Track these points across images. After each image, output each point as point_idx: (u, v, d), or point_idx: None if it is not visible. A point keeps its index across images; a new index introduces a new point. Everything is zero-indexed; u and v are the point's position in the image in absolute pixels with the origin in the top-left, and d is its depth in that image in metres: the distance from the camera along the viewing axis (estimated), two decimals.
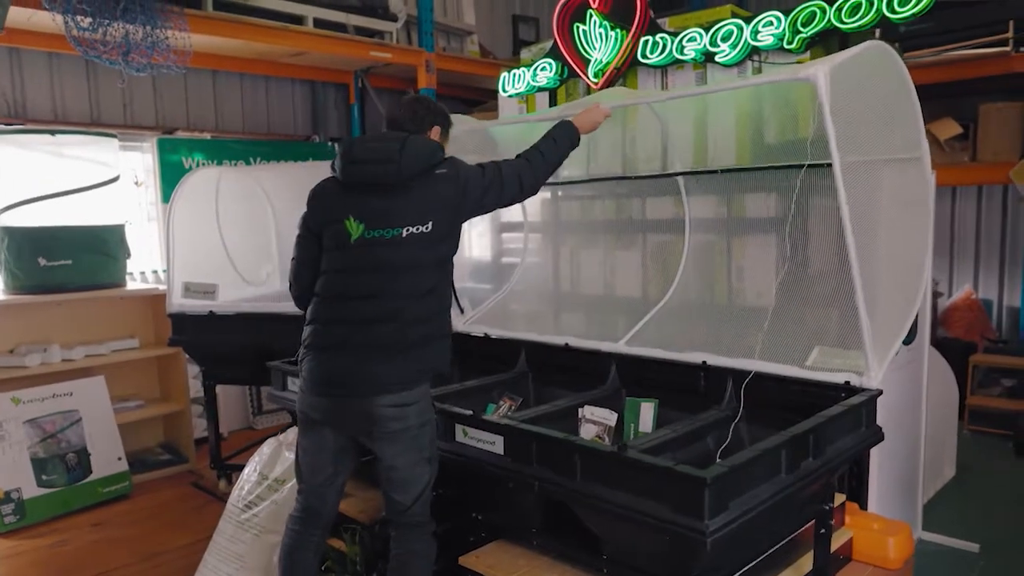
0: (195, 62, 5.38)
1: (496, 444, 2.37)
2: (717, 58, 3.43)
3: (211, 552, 3.09)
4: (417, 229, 2.36)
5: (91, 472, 4.46)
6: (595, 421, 2.76)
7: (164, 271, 4.80)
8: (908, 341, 3.38)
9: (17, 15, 3.99)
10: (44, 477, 4.29)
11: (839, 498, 2.87)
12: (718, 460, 1.89)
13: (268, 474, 3.12)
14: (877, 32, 5.28)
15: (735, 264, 3.67)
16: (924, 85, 5.31)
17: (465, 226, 4.41)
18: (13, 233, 4.42)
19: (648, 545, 1.99)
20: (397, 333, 2.33)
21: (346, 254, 2.43)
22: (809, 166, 2.55)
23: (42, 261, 4.42)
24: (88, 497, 4.42)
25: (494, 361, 3.80)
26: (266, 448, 3.25)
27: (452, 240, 2.49)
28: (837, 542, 2.75)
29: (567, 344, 3.49)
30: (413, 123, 2.51)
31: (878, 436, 2.43)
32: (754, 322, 3.11)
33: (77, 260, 4.52)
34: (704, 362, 2.92)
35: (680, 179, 3.59)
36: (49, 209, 4.50)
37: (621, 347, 3.27)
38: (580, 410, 2.80)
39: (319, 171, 4.62)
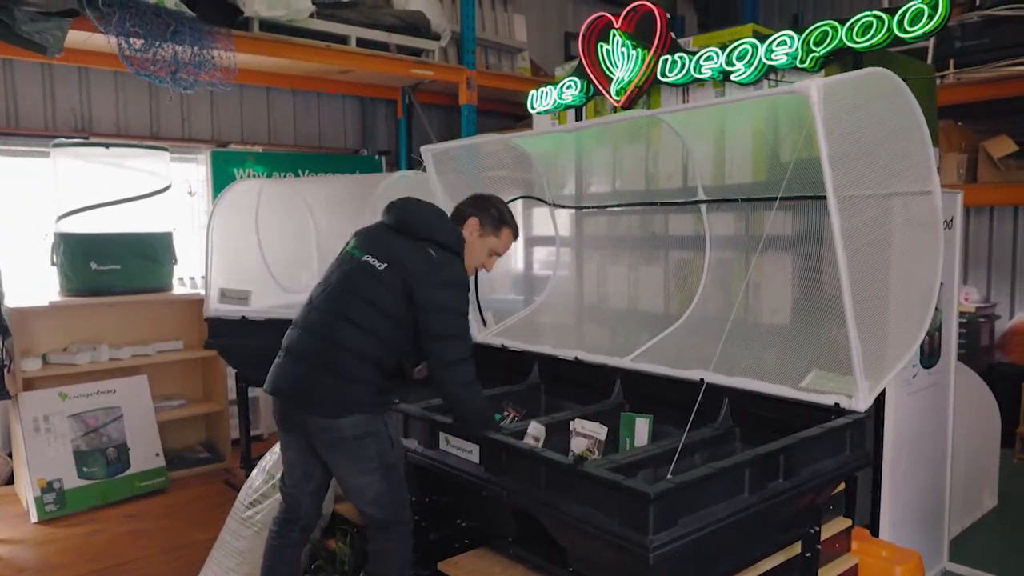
0: (248, 79, 5.69)
1: (473, 453, 2.40)
2: (733, 77, 3.40)
3: (217, 547, 3.20)
4: (392, 270, 2.49)
5: (130, 466, 4.69)
6: (585, 434, 2.74)
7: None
8: (929, 364, 3.24)
9: (75, 37, 4.27)
10: (85, 469, 4.53)
11: (843, 523, 2.78)
12: (667, 476, 1.86)
13: (275, 473, 3.22)
14: (930, 49, 5.15)
15: (752, 281, 3.61)
16: (979, 102, 5.15)
17: None
18: (68, 239, 4.71)
19: (603, 558, 1.98)
20: (340, 363, 2.42)
21: (339, 268, 2.60)
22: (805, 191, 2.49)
23: (93, 265, 4.69)
24: (126, 490, 4.64)
25: (509, 372, 3.83)
26: (276, 448, 3.35)
27: (402, 311, 2.48)
28: (840, 568, 2.66)
29: (576, 358, 3.49)
30: (457, 212, 2.72)
31: (865, 460, 2.35)
32: (761, 340, 3.06)
33: (126, 265, 4.78)
34: (701, 379, 2.87)
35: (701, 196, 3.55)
36: (103, 217, 4.79)
37: (626, 363, 3.25)
38: (571, 423, 2.79)
39: (360, 184, 4.85)
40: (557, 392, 3.59)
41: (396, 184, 4.26)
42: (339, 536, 2.91)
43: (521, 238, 4.88)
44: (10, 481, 4.86)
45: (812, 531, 2.31)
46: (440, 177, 4.06)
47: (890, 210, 2.45)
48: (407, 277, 2.48)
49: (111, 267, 4.74)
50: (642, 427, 2.89)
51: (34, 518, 4.31)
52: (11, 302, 4.52)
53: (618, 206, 4.14)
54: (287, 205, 4.85)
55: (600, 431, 2.73)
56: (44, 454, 4.43)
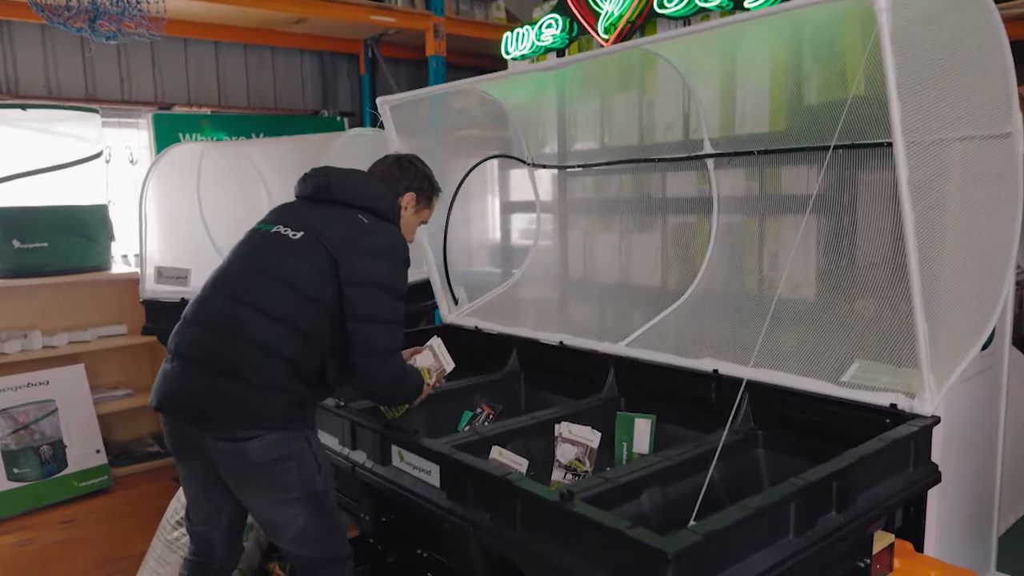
0: (193, 32, 5.08)
1: (432, 474, 1.89)
2: (747, 2, 2.85)
3: (141, 571, 2.71)
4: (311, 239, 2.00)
5: (67, 465, 4.19)
6: (574, 441, 2.25)
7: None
8: (984, 345, 2.75)
9: None
10: (15, 471, 4.03)
11: (886, 538, 2.31)
12: (691, 523, 1.36)
13: None
14: None
15: (768, 250, 3.10)
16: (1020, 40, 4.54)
17: (466, 204, 3.87)
18: None
19: None
20: (242, 363, 1.90)
21: (241, 247, 2.10)
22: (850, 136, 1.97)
23: (16, 243, 4.14)
24: (63, 492, 4.15)
25: (484, 358, 3.34)
26: None
27: (330, 293, 1.97)
28: None
29: (561, 343, 2.99)
30: (386, 184, 2.20)
31: (932, 477, 1.87)
32: (782, 320, 2.55)
33: (53, 242, 4.23)
34: (715, 371, 2.37)
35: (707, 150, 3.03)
36: (29, 189, 4.22)
37: (620, 348, 2.75)
38: (556, 426, 2.29)
39: (313, 146, 4.28)
40: (539, 383, 3.10)
41: (350, 145, 3.72)
42: (279, 562, 2.42)
43: (496, 204, 4.39)
44: None
45: (862, 564, 1.83)
46: (401, 137, 3.50)
47: (957, 158, 1.93)
48: (331, 246, 1.97)
49: (37, 245, 4.18)
50: (643, 429, 2.40)
51: None
52: None
53: (607, 164, 3.62)
54: (234, 170, 4.29)
55: (592, 437, 2.25)
56: None
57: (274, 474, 1.89)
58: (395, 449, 2.04)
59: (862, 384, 1.98)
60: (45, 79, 4.90)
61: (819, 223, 2.76)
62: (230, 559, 2.19)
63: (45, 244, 4.20)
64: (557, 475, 2.28)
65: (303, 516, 1.94)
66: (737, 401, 2.24)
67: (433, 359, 2.44)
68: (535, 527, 1.58)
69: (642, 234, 3.69)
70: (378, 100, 3.42)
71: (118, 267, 4.79)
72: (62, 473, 4.16)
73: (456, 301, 3.78)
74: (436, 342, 2.47)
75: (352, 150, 3.67)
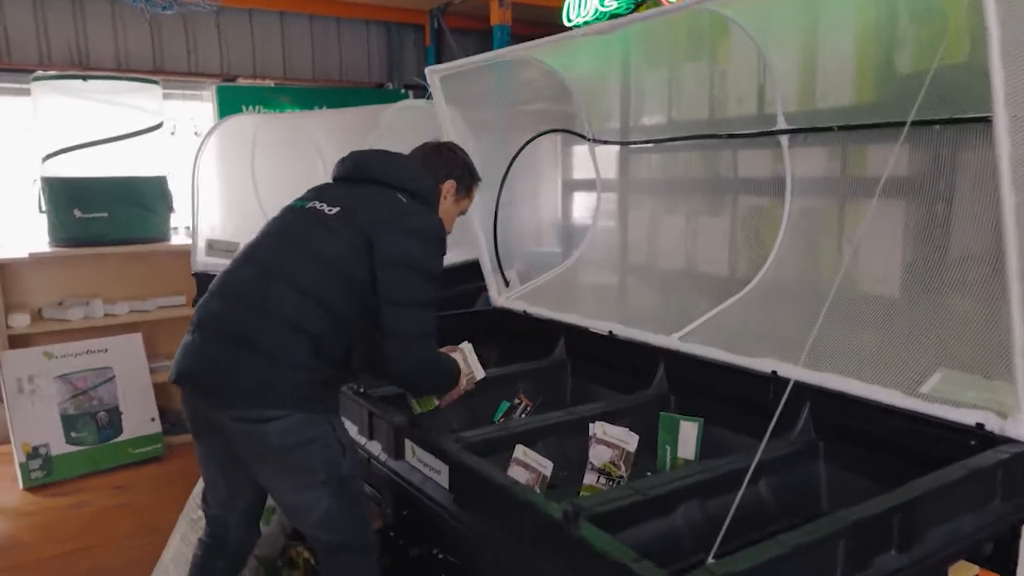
0: (259, 2, 5.02)
1: (442, 474, 1.72)
2: None
3: (168, 549, 2.68)
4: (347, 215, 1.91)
5: (122, 432, 4.25)
6: (609, 443, 2.04)
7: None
8: None
9: None
10: (73, 435, 4.11)
11: (969, 569, 2.01)
12: (711, 559, 1.13)
13: None
14: None
15: (847, 238, 2.77)
16: None
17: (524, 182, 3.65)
18: (52, 184, 4.23)
19: None
20: (266, 335, 1.78)
21: (275, 222, 1.99)
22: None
23: (77, 213, 4.20)
24: (118, 457, 4.21)
25: (531, 344, 3.15)
26: None
27: (363, 272, 1.85)
28: None
29: (610, 332, 2.76)
30: (426, 170, 2.08)
31: None
32: (858, 319, 2.25)
33: (113, 212, 4.27)
34: (774, 372, 2.11)
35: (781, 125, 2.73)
36: (91, 159, 4.26)
37: (672, 342, 2.50)
38: (591, 426, 2.08)
39: (370, 116, 4.15)
40: (586, 374, 2.89)
41: (400, 117, 3.55)
42: (304, 547, 2.32)
43: (556, 182, 4.16)
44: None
45: None
46: (455, 110, 3.32)
47: None
48: (366, 224, 1.86)
49: (97, 215, 4.23)
50: (689, 433, 2.16)
51: (20, 485, 3.93)
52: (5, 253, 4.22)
53: (673, 140, 3.33)
54: (289, 143, 4.22)
55: (629, 440, 2.03)
56: (29, 418, 4.02)
57: (297, 457, 1.77)
58: (408, 444, 1.88)
59: (944, 398, 1.69)
60: (114, 51, 4.95)
61: (908, 209, 2.43)
62: (246, 544, 2.10)
63: (105, 214, 4.25)
64: (590, 478, 2.08)
65: (327, 499, 1.81)
66: (780, 404, 1.98)
67: (463, 363, 2.28)
68: (542, 543, 1.39)
69: (709, 217, 3.41)
70: (427, 70, 3.25)
71: (180, 238, 4.82)
72: (118, 439, 4.22)
73: (507, 283, 3.60)
74: (467, 347, 2.32)
75: (402, 123, 3.53)
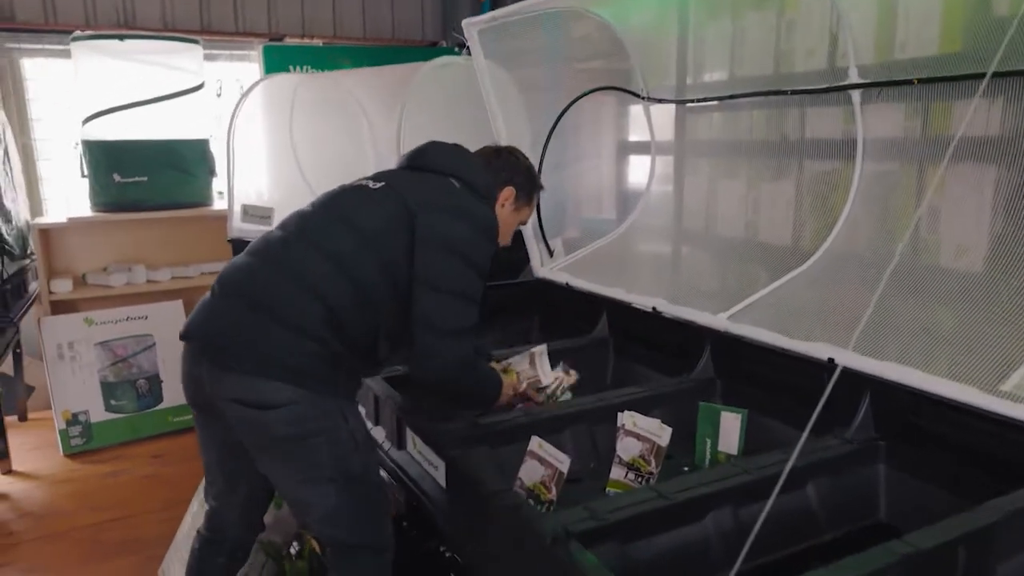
0: None
1: (439, 470, 1.53)
2: None
3: (181, 530, 2.58)
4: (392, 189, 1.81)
5: (162, 400, 4.24)
6: (638, 435, 1.81)
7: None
8: None
9: None
10: (113, 402, 4.11)
11: None
12: None
13: None
14: None
15: (927, 206, 2.44)
16: None
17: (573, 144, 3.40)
18: (92, 147, 4.18)
19: None
20: (284, 299, 1.65)
21: (328, 193, 1.88)
22: None
23: (116, 177, 4.15)
24: (157, 425, 4.20)
25: (573, 320, 2.94)
26: None
27: (401, 243, 1.71)
28: None
29: (654, 308, 2.52)
30: (487, 170, 1.95)
31: None
32: (934, 301, 1.95)
33: (152, 176, 4.21)
34: (831, 359, 1.83)
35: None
36: (132, 122, 4.20)
37: (720, 321, 2.24)
38: (619, 415, 1.85)
39: (417, 73, 3.94)
40: (629, 353, 2.66)
41: (437, 75, 3.30)
42: (297, 546, 2.18)
43: (608, 144, 3.89)
44: None
45: None
46: (496, 67, 3.08)
47: None
48: (411, 201, 1.73)
49: (136, 179, 4.18)
50: (731, 425, 1.91)
51: (61, 451, 3.97)
52: (46, 218, 4.22)
53: (734, 97, 3.02)
54: (331, 103, 4.03)
55: (661, 433, 1.80)
56: (69, 384, 4.04)
57: (301, 449, 1.63)
58: (409, 433, 1.69)
59: None
60: (161, 11, 4.87)
61: (999, 174, 2.09)
62: (242, 540, 1.97)
63: (144, 178, 4.20)
64: (617, 473, 1.86)
65: (333, 497, 1.65)
66: (824, 395, 1.71)
67: (528, 366, 2.09)
68: (534, 558, 1.18)
69: (771, 182, 3.09)
70: (464, 23, 3.02)
71: (223, 203, 4.75)
72: (157, 407, 4.21)
73: (551, 252, 3.38)
74: (540, 349, 2.15)
75: (438, 80, 3.30)
